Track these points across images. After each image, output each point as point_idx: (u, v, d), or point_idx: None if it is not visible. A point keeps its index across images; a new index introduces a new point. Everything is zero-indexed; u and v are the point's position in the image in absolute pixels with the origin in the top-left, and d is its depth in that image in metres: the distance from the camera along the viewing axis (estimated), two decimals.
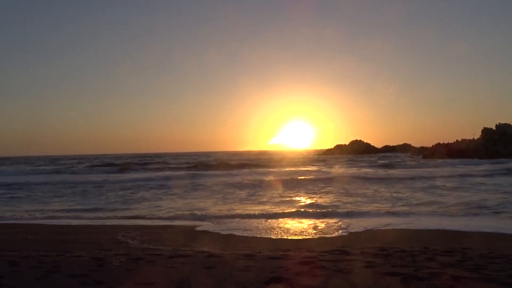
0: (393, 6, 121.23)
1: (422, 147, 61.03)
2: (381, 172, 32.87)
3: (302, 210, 14.33)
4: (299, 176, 29.37)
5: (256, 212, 13.93)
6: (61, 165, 57.41)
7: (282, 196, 18.39)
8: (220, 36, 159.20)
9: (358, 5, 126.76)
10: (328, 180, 26.14)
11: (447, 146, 56.65)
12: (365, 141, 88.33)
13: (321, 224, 11.84)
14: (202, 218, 13.34)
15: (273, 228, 11.24)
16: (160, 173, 34.84)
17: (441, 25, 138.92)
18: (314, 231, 10.78)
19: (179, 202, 17.31)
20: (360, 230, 10.67)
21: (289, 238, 10.03)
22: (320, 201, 16.76)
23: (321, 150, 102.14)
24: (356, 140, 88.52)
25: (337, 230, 10.92)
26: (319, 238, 9.92)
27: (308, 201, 16.66)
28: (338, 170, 36.57)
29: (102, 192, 21.59)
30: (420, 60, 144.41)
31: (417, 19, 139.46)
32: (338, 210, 14.04)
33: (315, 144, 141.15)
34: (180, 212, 14.35)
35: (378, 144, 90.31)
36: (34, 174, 37.53)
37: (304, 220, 12.55)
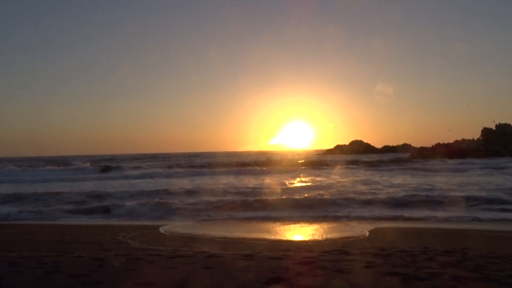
0: (393, 6, 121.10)
1: (422, 147, 60.89)
2: None
3: None
4: None
5: None
6: None
7: None
8: (220, 36, 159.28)
9: (358, 5, 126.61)
10: None
11: (447, 146, 56.60)
12: (365, 141, 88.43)
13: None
14: None
15: None
16: None
17: (441, 26, 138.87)
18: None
19: None
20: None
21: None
22: None
23: (321, 150, 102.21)
24: (356, 140, 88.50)
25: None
26: (320, 239, 9.92)
27: None
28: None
29: None
30: (420, 60, 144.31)
31: (417, 19, 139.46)
32: None
33: (315, 144, 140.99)
34: None
35: (378, 144, 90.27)
36: None
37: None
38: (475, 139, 58.70)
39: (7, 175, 34.69)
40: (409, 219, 12.72)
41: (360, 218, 12.76)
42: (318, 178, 27.83)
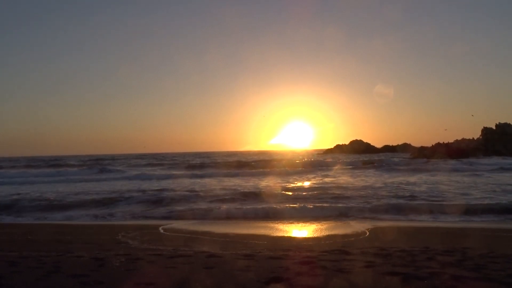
0: (393, 7, 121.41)
1: (422, 147, 60.91)
2: None
3: None
4: None
5: None
6: None
7: None
8: (220, 37, 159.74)
9: (358, 5, 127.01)
10: None
11: (447, 146, 56.63)
12: (365, 141, 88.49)
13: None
14: None
15: None
16: None
17: (441, 26, 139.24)
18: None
19: None
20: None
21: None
22: None
23: (321, 150, 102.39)
24: (356, 140, 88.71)
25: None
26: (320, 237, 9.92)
27: None
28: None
29: None
30: (420, 60, 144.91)
31: (417, 19, 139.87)
32: None
33: (315, 144, 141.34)
34: None
35: (378, 144, 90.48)
36: None
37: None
38: (475, 138, 58.76)
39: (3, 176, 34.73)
40: (410, 219, 12.72)
41: (361, 218, 12.75)
42: (325, 179, 27.83)
